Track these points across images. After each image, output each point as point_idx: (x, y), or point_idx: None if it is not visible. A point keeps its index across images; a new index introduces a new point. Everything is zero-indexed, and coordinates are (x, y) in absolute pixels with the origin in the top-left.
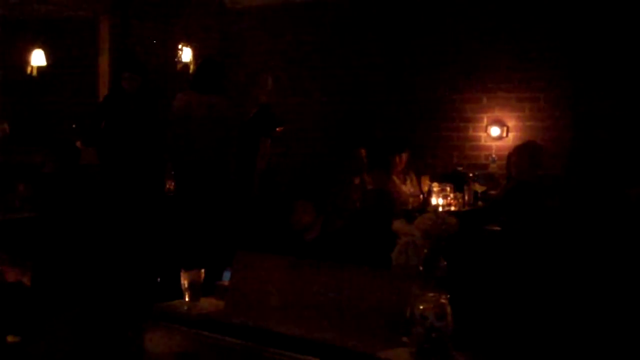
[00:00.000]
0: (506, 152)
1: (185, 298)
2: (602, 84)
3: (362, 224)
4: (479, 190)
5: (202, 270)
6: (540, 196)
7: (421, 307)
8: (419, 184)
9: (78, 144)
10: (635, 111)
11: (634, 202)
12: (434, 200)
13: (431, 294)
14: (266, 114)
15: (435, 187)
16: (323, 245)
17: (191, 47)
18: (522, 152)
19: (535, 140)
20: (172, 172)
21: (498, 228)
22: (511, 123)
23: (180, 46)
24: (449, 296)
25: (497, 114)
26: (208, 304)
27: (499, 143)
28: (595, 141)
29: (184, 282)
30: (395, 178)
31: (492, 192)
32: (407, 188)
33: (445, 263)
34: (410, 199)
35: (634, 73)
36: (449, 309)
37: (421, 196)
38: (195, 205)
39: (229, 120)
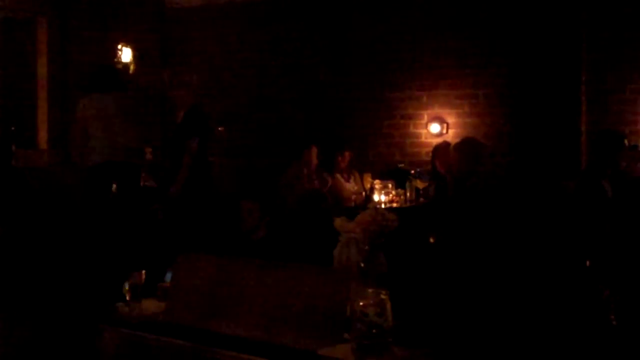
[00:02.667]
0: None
1: (125, 300)
2: (538, 80)
3: (300, 223)
4: (421, 187)
5: (143, 272)
6: (483, 195)
7: (361, 304)
8: (362, 181)
9: (13, 147)
10: (570, 106)
11: (570, 194)
12: (376, 197)
13: (371, 290)
14: (196, 114)
15: (378, 184)
16: (269, 244)
17: (131, 47)
18: (462, 149)
19: (474, 137)
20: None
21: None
22: (451, 120)
23: (119, 46)
24: (388, 292)
25: (437, 111)
26: (150, 305)
27: (439, 140)
28: (532, 136)
29: (125, 284)
30: (339, 176)
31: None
32: (351, 186)
33: (386, 259)
34: (353, 197)
35: (568, 70)
36: (388, 305)
37: (364, 193)
38: (135, 206)
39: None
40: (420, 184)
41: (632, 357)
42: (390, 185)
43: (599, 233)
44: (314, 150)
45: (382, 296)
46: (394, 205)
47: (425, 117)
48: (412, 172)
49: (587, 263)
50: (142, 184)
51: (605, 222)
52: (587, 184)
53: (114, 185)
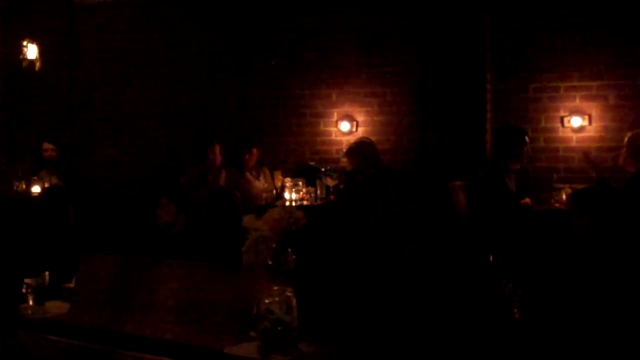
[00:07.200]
0: None
1: (28, 302)
2: (445, 79)
3: (209, 222)
4: (331, 185)
5: (47, 273)
6: (379, 189)
7: (267, 301)
8: (272, 179)
9: None
10: (476, 105)
11: (451, 194)
12: (287, 195)
13: (277, 288)
14: None
15: (288, 182)
16: (180, 243)
17: (37, 43)
18: (354, 150)
19: (367, 137)
20: (19, 174)
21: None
22: (360, 118)
23: (25, 43)
24: (293, 289)
25: (347, 109)
26: (54, 307)
27: (349, 137)
28: (439, 134)
29: (27, 286)
30: (248, 174)
31: (343, 186)
32: (261, 183)
33: (294, 257)
34: (264, 195)
35: (473, 70)
36: (294, 302)
37: (274, 191)
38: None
39: None
40: (330, 182)
41: (533, 349)
42: (300, 183)
43: (501, 227)
44: (217, 148)
45: (288, 293)
46: (305, 203)
47: (335, 115)
48: (323, 169)
49: (490, 258)
50: (45, 183)
51: (508, 216)
52: (490, 179)
53: None
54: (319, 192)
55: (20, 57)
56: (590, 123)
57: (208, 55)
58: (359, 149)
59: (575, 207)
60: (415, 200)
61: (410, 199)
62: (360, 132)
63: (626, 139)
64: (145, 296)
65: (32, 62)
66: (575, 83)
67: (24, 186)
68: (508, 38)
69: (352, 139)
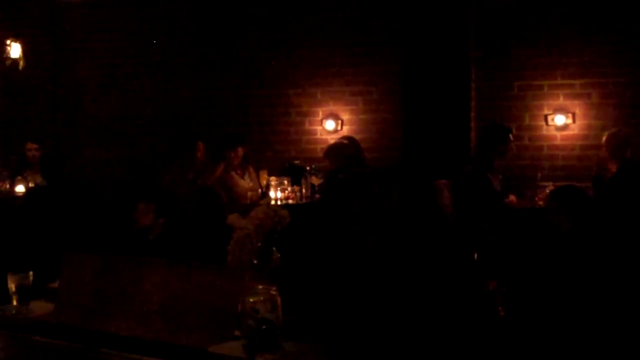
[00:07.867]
0: None
1: (12, 302)
2: (430, 77)
3: (195, 220)
4: (316, 183)
5: (31, 273)
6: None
7: (251, 300)
8: (258, 178)
9: None
10: (460, 103)
11: (436, 192)
12: (272, 194)
13: (261, 287)
14: None
15: (273, 180)
16: (164, 242)
17: (20, 42)
18: (330, 151)
19: (347, 137)
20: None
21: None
22: (345, 117)
23: (8, 42)
24: (278, 288)
25: (332, 107)
26: (38, 307)
27: (334, 136)
28: (424, 132)
29: (11, 286)
30: (233, 173)
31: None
32: (246, 182)
33: (279, 255)
34: (249, 193)
35: (457, 68)
36: (279, 301)
37: (260, 190)
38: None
39: None
40: (315, 181)
41: (518, 346)
42: (286, 182)
43: (486, 225)
44: (199, 147)
45: (273, 292)
46: (290, 201)
47: (320, 113)
48: (308, 168)
49: (475, 256)
50: (30, 183)
51: (493, 214)
52: (475, 177)
53: None
54: (304, 191)
55: (4, 56)
56: (574, 121)
57: (193, 55)
58: (335, 149)
59: (554, 205)
60: (398, 197)
61: (393, 196)
62: (345, 130)
63: (604, 139)
64: (129, 296)
65: (15, 61)
66: (558, 81)
67: (7, 186)
68: (492, 36)
69: (337, 137)
